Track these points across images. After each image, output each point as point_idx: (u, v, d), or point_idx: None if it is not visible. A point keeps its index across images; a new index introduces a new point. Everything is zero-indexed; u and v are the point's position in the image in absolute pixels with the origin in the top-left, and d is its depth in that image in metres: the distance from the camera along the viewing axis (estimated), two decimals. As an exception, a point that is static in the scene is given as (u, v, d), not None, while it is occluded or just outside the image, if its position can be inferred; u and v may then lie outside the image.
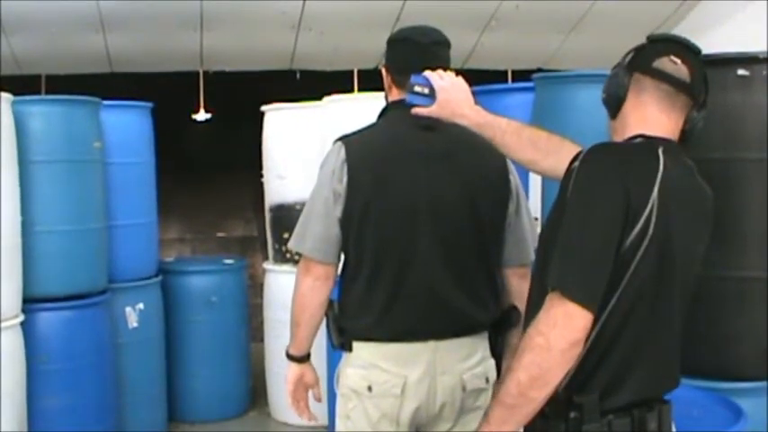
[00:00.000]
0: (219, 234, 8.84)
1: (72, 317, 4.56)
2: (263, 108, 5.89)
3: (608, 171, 1.88)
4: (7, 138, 4.15)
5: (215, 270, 6.00)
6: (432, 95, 2.35)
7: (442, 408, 2.62)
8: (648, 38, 2.11)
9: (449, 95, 2.35)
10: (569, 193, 1.89)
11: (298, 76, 7.09)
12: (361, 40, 6.37)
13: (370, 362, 2.60)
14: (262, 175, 5.99)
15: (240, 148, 6.91)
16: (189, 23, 6.29)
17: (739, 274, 3.18)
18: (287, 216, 5.51)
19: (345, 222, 2.58)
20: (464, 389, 2.63)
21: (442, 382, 2.60)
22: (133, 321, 5.14)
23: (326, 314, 2.69)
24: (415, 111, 2.38)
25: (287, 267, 5.58)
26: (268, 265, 5.93)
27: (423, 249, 2.58)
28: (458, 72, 2.45)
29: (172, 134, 6.26)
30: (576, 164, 1.92)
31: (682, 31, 6.19)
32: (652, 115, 2.03)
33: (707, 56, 3.25)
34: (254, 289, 6.78)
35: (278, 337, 5.25)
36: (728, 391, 3.07)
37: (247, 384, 6.03)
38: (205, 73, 7.14)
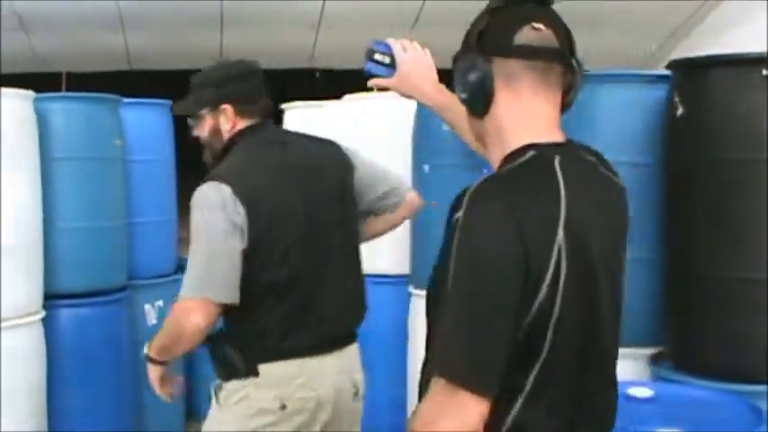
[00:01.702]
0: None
1: (92, 314, 4.57)
2: (283, 106, 5.90)
3: (497, 222, 1.50)
4: (29, 134, 4.17)
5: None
6: (392, 65, 2.15)
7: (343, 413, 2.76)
8: (489, 7, 1.68)
9: (411, 68, 2.16)
10: (453, 253, 1.52)
11: (317, 74, 7.09)
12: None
13: (281, 380, 2.63)
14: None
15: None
16: (209, 22, 6.30)
17: (763, 277, 3.15)
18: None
19: (249, 252, 2.57)
20: (357, 394, 2.80)
21: (343, 393, 2.74)
22: (152, 318, 5.15)
23: (214, 346, 2.66)
24: (373, 82, 2.19)
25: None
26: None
27: (319, 261, 2.69)
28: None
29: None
30: (460, 214, 1.54)
31: (704, 30, 6.15)
32: (531, 106, 1.65)
33: (730, 56, 3.26)
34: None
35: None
36: (749, 394, 3.05)
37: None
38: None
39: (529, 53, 1.63)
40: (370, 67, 2.16)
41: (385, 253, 4.38)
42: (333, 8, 6.04)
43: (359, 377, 2.80)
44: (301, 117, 5.73)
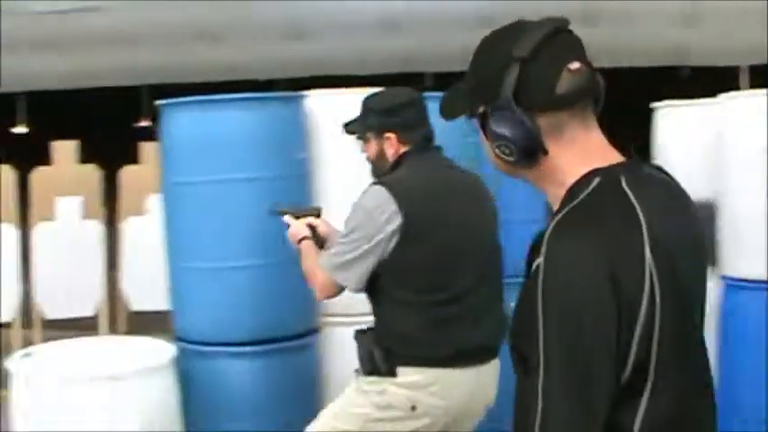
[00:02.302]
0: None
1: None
2: (654, 105, 5.79)
3: (584, 262, 1.41)
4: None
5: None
6: None
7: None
8: (515, 56, 1.52)
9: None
10: (539, 301, 1.43)
11: (688, 71, 6.92)
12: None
13: (416, 385, 2.80)
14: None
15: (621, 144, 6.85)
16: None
17: None
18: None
19: (398, 258, 2.79)
20: (486, 406, 2.93)
21: (474, 406, 2.89)
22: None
23: (362, 342, 2.88)
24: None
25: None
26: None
27: (469, 279, 2.84)
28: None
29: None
30: (540, 260, 1.44)
31: None
32: (580, 140, 1.55)
33: None
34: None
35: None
36: None
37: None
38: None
39: (574, 99, 1.53)
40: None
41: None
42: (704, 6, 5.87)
43: (492, 393, 2.92)
44: (674, 116, 5.60)
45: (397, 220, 2.76)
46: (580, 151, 1.55)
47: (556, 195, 1.56)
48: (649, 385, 1.44)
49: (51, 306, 6.04)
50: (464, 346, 2.82)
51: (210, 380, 3.69)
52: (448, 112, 1.72)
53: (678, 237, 1.52)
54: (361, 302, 2.97)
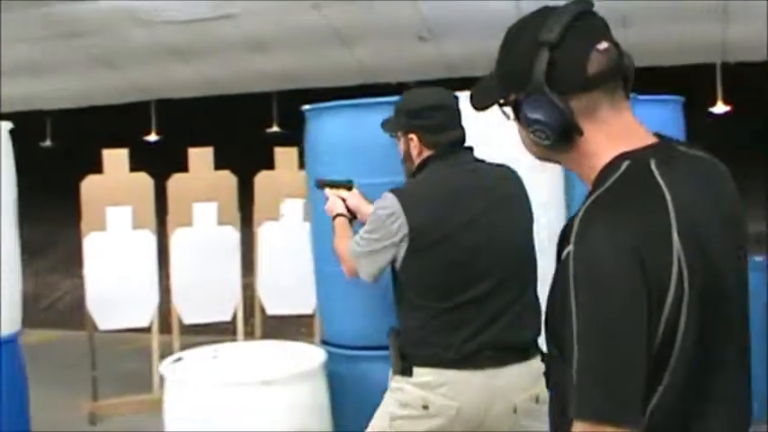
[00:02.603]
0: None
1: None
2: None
3: (613, 248, 1.42)
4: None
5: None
6: None
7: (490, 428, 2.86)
8: (542, 40, 1.54)
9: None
10: (571, 287, 1.45)
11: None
12: None
13: (427, 385, 2.83)
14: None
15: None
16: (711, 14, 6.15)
17: None
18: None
19: (408, 265, 2.85)
20: (515, 411, 2.83)
21: (495, 409, 2.82)
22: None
23: (390, 342, 2.94)
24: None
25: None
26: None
27: (488, 283, 2.83)
28: None
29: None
30: (570, 248, 1.47)
31: None
32: (614, 122, 1.57)
33: None
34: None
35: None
36: None
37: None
38: (724, 64, 6.93)
39: (605, 79, 1.55)
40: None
41: None
42: None
43: (520, 398, 2.84)
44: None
45: (405, 229, 2.83)
46: (612, 133, 1.56)
47: (589, 179, 1.59)
48: (668, 373, 1.45)
49: (189, 311, 6.13)
50: (473, 347, 2.82)
51: (356, 382, 3.69)
52: (479, 102, 1.72)
53: (710, 216, 1.52)
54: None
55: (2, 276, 4.15)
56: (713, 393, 1.52)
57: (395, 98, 3.78)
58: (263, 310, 6.41)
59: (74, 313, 11.05)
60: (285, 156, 6.37)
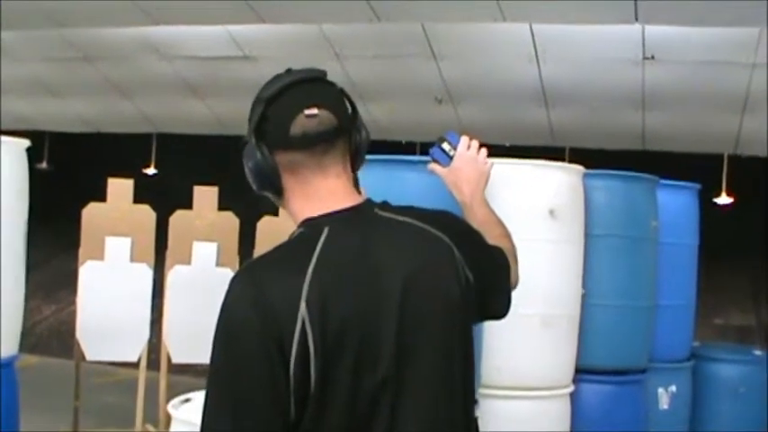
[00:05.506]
0: (717, 321, 8.55)
1: (614, 392, 4.60)
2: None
3: (247, 302, 1.54)
4: (578, 208, 4.31)
5: (744, 360, 5.76)
6: (451, 158, 2.19)
7: None
8: (263, 96, 1.67)
9: (462, 166, 2.14)
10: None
11: None
12: None
13: None
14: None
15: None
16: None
17: None
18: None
19: None
20: None
21: None
22: (664, 403, 5.06)
23: None
24: (430, 166, 2.22)
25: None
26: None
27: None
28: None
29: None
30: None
31: None
32: (313, 183, 1.68)
33: None
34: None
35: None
36: None
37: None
38: (732, 156, 6.95)
39: (305, 143, 1.64)
40: (435, 152, 2.21)
41: None
42: None
43: None
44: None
45: None
46: (311, 194, 1.67)
47: None
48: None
49: (179, 349, 6.00)
50: None
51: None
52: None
53: (375, 278, 1.59)
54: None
55: (4, 299, 4.05)
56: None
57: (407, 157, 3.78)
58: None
59: (52, 339, 10.89)
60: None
